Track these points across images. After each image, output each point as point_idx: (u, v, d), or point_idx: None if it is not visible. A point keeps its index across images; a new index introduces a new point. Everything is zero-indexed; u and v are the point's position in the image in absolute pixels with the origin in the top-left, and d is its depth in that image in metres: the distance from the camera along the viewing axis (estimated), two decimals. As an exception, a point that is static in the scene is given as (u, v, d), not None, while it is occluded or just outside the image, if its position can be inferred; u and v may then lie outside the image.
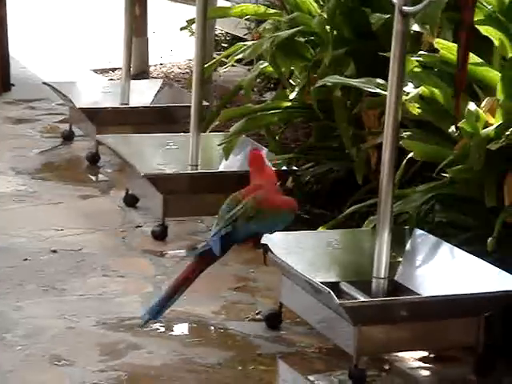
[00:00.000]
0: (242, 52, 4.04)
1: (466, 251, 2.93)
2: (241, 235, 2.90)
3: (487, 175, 2.95)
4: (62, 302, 3.18)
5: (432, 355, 2.89)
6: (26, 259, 3.51)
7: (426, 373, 2.83)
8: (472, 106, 2.95)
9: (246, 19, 5.52)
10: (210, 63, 4.29)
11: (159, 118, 4.79)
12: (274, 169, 3.10)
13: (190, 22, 4.33)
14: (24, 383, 2.69)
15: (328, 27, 3.75)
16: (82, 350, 2.86)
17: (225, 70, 4.48)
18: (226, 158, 3.92)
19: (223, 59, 4.37)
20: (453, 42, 3.17)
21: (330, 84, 3.54)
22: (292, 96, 3.87)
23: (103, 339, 2.93)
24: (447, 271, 2.93)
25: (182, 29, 4.53)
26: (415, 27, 3.34)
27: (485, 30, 3.11)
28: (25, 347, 2.87)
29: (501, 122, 2.97)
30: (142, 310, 2.96)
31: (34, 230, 3.78)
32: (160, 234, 3.76)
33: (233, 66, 5.45)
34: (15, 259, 3.50)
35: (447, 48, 3.13)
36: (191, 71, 5.53)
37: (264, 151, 3.17)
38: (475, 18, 3.11)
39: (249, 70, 4.82)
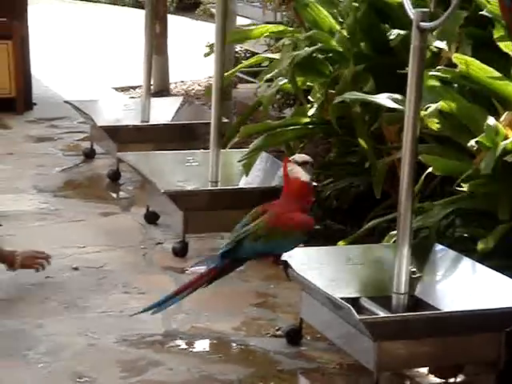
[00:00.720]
0: (267, 72, 4.05)
1: (486, 266, 2.92)
2: (245, 254, 2.91)
3: (505, 188, 2.94)
4: (83, 319, 3.20)
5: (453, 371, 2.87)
6: (47, 277, 3.53)
7: (447, 388, 2.82)
8: (491, 120, 2.95)
9: (265, 36, 5.55)
10: (228, 73, 4.28)
11: (179, 135, 4.82)
12: (303, 178, 2.95)
13: (212, 47, 4.33)
14: (46, 400, 2.70)
15: (348, 44, 3.77)
16: (103, 367, 2.87)
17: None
18: (246, 174, 3.93)
19: (244, 76, 4.37)
20: (471, 57, 3.17)
21: (348, 100, 3.55)
22: (311, 112, 3.88)
23: (124, 356, 2.94)
24: (468, 286, 2.92)
25: (205, 55, 4.55)
26: (434, 42, 3.35)
27: (504, 45, 3.11)
28: (47, 364, 2.88)
29: (520, 135, 2.96)
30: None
31: (56, 248, 3.80)
32: (180, 251, 3.77)
33: (252, 82, 5.47)
34: (37, 277, 3.52)
35: (466, 63, 3.13)
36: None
37: (299, 158, 2.96)
38: (496, 35, 3.11)
39: (268, 86, 4.84)
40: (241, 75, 6.09)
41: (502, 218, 2.93)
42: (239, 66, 4.50)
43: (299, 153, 4.27)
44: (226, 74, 4.09)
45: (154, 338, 3.05)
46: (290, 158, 2.97)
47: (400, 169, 3.58)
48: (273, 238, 2.87)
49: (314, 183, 3.94)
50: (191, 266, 3.03)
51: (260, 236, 2.87)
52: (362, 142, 3.68)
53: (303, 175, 2.93)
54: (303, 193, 2.94)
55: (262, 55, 4.24)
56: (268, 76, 4.06)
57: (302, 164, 2.94)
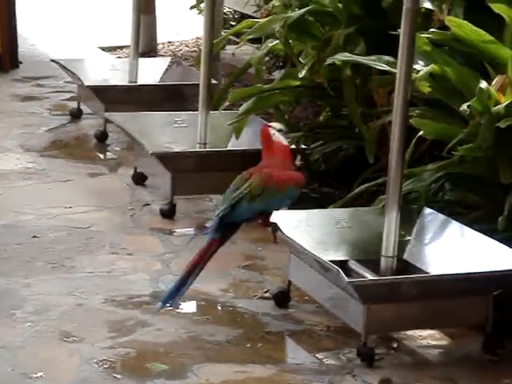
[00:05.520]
0: (252, 32, 4.02)
1: (475, 230, 2.93)
2: (243, 216, 2.90)
3: (498, 153, 2.94)
4: (70, 279, 3.19)
5: (440, 334, 2.89)
6: (34, 236, 3.52)
7: (434, 351, 2.83)
8: (483, 84, 2.93)
9: (254, -5, 5.48)
10: (218, 39, 4.26)
11: (167, 96, 4.78)
12: (284, 142, 3.05)
13: (200, 0, 4.31)
14: (33, 359, 2.70)
15: (340, 5, 3.73)
16: (90, 327, 2.87)
17: (237, 48, 4.44)
18: (236, 137, 3.90)
19: (232, 37, 4.35)
20: (464, 19, 3.15)
21: (339, 62, 3.53)
22: (301, 74, 3.85)
23: (112, 316, 2.94)
24: (456, 250, 2.92)
25: (191, 7, 4.52)
26: (426, 4, 3.32)
27: (496, 7, 3.08)
28: (34, 324, 2.88)
29: (511, 99, 2.95)
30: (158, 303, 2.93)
31: (43, 208, 3.79)
32: (168, 212, 3.76)
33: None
34: (24, 236, 3.51)
35: (458, 25, 3.10)
36: (199, 49, 5.53)
37: (275, 125, 3.10)
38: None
39: (257, 48, 4.79)
40: (229, 37, 6.03)
41: (505, 181, 2.92)
42: (227, 34, 4.45)
43: (289, 116, 4.27)
44: (215, 41, 4.06)
45: (142, 299, 3.05)
46: (269, 125, 3.10)
47: (390, 132, 3.58)
48: (269, 196, 2.89)
49: (304, 146, 3.97)
50: (188, 242, 2.97)
51: (256, 196, 2.88)
52: (349, 105, 3.66)
53: (283, 139, 3.06)
54: (287, 155, 3.02)
55: (251, 20, 4.19)
56: (251, 36, 4.02)
57: (279, 131, 3.09)
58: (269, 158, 3.03)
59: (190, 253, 3.08)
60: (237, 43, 5.97)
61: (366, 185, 3.39)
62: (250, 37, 4.07)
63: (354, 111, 3.65)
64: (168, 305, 2.88)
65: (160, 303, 2.88)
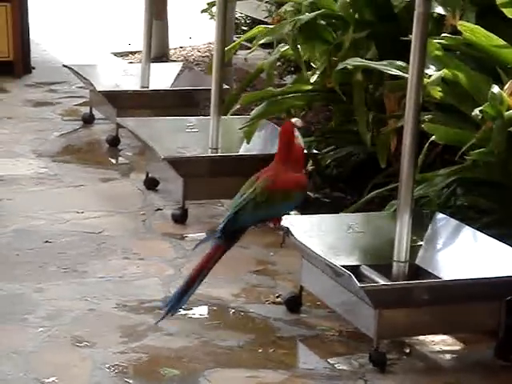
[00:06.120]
0: (263, 37, 4.02)
1: (487, 235, 2.92)
2: (247, 222, 2.87)
3: (511, 158, 2.93)
4: (82, 284, 3.19)
5: (453, 339, 2.88)
6: (46, 241, 3.53)
7: (446, 356, 2.82)
8: (496, 88, 2.92)
9: (266, 2, 5.50)
10: (230, 46, 4.27)
11: (179, 101, 4.79)
12: (302, 145, 2.98)
13: (211, 4, 4.32)
14: (46, 364, 2.70)
15: (351, 10, 3.73)
16: (103, 332, 2.87)
17: (249, 53, 4.45)
18: (247, 142, 3.91)
19: (244, 42, 4.35)
20: (476, 24, 3.14)
21: (350, 67, 3.52)
22: (313, 79, 3.85)
23: (124, 321, 2.94)
24: (468, 255, 2.91)
25: (202, 11, 4.52)
26: (438, 9, 3.32)
27: (508, 11, 3.08)
28: (46, 329, 2.88)
29: (524, 105, 2.94)
30: (161, 303, 2.94)
31: (55, 213, 3.80)
32: (180, 217, 3.76)
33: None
34: (36, 241, 3.52)
35: (470, 30, 3.10)
36: (211, 54, 5.54)
37: (297, 123, 2.99)
38: (499, 1, 3.09)
39: (269, 53, 4.80)
40: (242, 42, 6.04)
41: None
42: (239, 40, 4.45)
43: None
44: (226, 48, 4.07)
45: (154, 304, 3.05)
46: (293, 122, 2.98)
47: (393, 139, 3.58)
48: (274, 202, 2.85)
49: (316, 151, 3.97)
50: (194, 248, 2.97)
51: (260, 202, 2.85)
52: (357, 110, 3.65)
53: (302, 142, 2.97)
54: (301, 160, 2.98)
55: (263, 26, 4.19)
56: (262, 41, 4.03)
57: (300, 128, 2.98)
58: (282, 160, 2.95)
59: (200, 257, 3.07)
60: (248, 48, 5.99)
61: (378, 191, 3.38)
62: (262, 41, 4.08)
63: (362, 116, 3.64)
64: (170, 311, 2.85)
65: (162, 306, 2.87)
